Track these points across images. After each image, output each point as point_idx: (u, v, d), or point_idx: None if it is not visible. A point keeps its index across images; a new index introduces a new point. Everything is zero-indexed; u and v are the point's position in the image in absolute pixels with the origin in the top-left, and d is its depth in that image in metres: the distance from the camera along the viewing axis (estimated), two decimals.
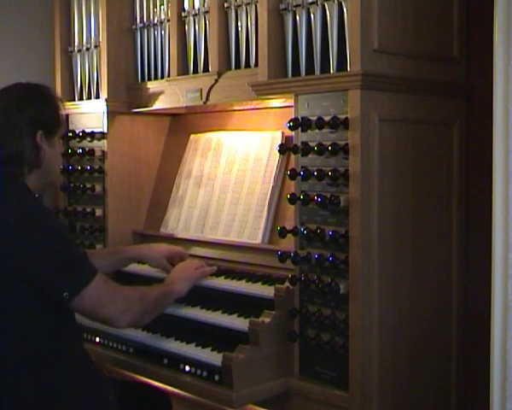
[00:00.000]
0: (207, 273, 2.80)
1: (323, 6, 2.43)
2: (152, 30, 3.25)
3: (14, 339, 2.15)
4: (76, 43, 3.54)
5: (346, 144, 2.29)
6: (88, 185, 3.34)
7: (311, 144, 2.37)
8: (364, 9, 2.27)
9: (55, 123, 2.37)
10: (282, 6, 2.55)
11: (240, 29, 2.82)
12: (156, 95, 3.21)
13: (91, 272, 2.22)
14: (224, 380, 2.35)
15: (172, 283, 2.66)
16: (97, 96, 3.42)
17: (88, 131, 3.36)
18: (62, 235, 2.25)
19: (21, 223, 2.12)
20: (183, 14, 3.07)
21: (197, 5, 3.00)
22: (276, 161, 2.87)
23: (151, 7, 3.26)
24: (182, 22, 3.08)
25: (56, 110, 2.39)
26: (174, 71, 3.11)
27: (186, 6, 3.05)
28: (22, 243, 2.11)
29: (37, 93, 2.37)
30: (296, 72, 2.53)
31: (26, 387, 2.15)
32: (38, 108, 2.31)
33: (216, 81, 2.90)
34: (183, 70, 3.10)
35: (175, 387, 2.61)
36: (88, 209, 3.36)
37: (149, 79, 3.29)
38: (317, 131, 2.38)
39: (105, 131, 3.33)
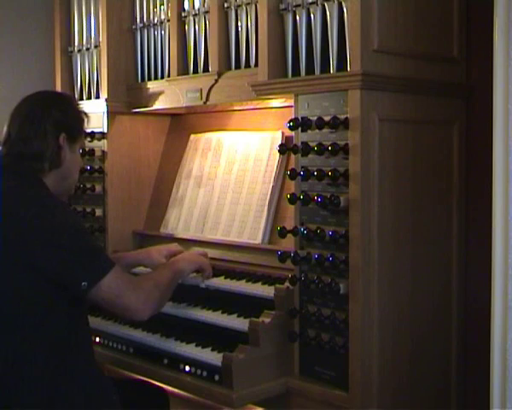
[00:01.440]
0: (209, 267, 2.77)
1: (323, 6, 2.43)
2: (152, 30, 3.25)
3: (26, 332, 2.16)
4: (76, 43, 3.54)
5: (346, 144, 2.29)
6: (88, 185, 3.34)
7: (311, 144, 2.37)
8: (364, 9, 2.27)
9: (78, 130, 2.45)
10: (282, 6, 2.55)
11: (240, 29, 2.82)
12: (156, 95, 3.21)
13: (109, 262, 2.24)
14: (224, 380, 2.35)
15: (175, 262, 2.64)
16: (97, 96, 3.42)
17: (88, 131, 3.35)
18: (79, 226, 2.27)
19: (38, 215, 2.14)
20: (183, 14, 3.07)
21: (197, 5, 3.00)
22: (276, 161, 2.87)
23: (151, 7, 3.26)
24: (182, 22, 3.08)
25: (80, 119, 2.47)
26: (174, 71, 3.11)
27: (186, 6, 3.05)
28: (39, 235, 2.13)
29: (64, 99, 2.48)
30: (296, 72, 2.53)
31: (37, 380, 2.16)
32: (64, 111, 2.38)
33: (216, 81, 2.90)
34: (183, 70, 3.10)
35: (175, 387, 2.61)
36: (88, 209, 3.36)
37: (149, 79, 3.29)
38: (317, 131, 2.37)
39: (105, 131, 3.33)
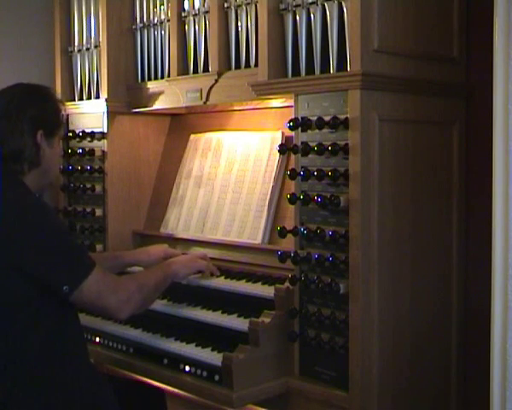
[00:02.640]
0: (209, 268, 2.78)
1: (323, 6, 2.43)
2: (152, 30, 3.25)
3: (16, 335, 2.15)
4: (76, 43, 3.54)
5: (346, 144, 2.29)
6: (88, 185, 3.34)
7: (311, 144, 2.37)
8: (364, 9, 2.27)
9: (56, 124, 2.40)
10: (282, 6, 2.55)
11: (240, 29, 2.82)
12: (156, 95, 3.21)
13: (90, 264, 2.23)
14: (224, 380, 2.35)
15: (169, 264, 2.65)
16: (97, 96, 3.42)
17: (88, 131, 3.36)
18: (60, 229, 2.26)
19: (19, 217, 2.13)
20: (183, 14, 3.07)
21: (197, 5, 3.00)
22: (276, 161, 2.87)
23: (151, 7, 3.26)
24: (182, 22, 3.08)
25: (57, 111, 2.42)
26: (174, 71, 3.11)
27: (186, 6, 3.05)
28: (21, 238, 2.12)
29: (38, 93, 2.39)
30: (296, 72, 2.53)
31: (30, 384, 2.16)
32: (40, 107, 2.33)
33: (216, 81, 2.90)
34: (183, 70, 3.10)
35: (175, 387, 2.61)
36: (88, 209, 3.36)
37: (149, 79, 3.29)
38: (317, 131, 2.37)
39: (105, 131, 3.33)
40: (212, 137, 3.23)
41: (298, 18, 2.50)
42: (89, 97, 3.49)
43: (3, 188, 2.22)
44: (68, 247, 2.23)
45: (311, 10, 2.46)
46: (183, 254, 2.97)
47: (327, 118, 2.33)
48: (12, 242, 2.12)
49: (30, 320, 2.16)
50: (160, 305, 2.80)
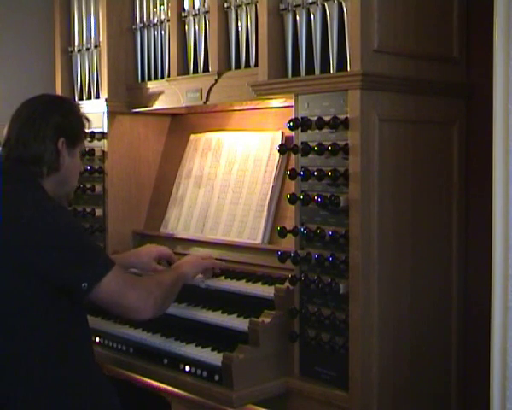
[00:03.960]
0: (216, 265, 2.79)
1: (323, 6, 2.43)
2: (152, 30, 3.26)
3: (23, 336, 2.15)
4: (76, 43, 3.54)
5: (346, 144, 2.29)
6: (88, 185, 3.34)
7: (311, 144, 2.37)
8: (364, 9, 2.27)
9: (78, 135, 2.44)
10: (282, 6, 2.55)
11: (240, 29, 2.82)
12: (156, 95, 3.21)
13: (109, 262, 2.24)
14: (224, 380, 2.35)
15: (179, 266, 2.65)
16: (97, 96, 3.42)
17: (88, 131, 3.35)
18: (79, 229, 2.28)
19: (36, 217, 2.14)
20: (183, 14, 3.07)
21: (197, 5, 3.00)
22: (276, 161, 2.87)
23: (151, 7, 3.26)
24: (182, 22, 3.08)
25: (81, 124, 2.47)
26: (174, 71, 3.11)
27: (186, 6, 3.05)
28: (37, 237, 2.12)
29: (64, 104, 2.47)
30: (296, 72, 2.53)
31: (33, 384, 2.15)
32: (64, 116, 2.38)
33: (216, 81, 2.90)
34: (183, 70, 3.10)
35: (175, 387, 2.61)
36: (88, 209, 3.36)
37: (149, 79, 3.29)
38: (317, 131, 2.37)
39: (105, 131, 3.33)
40: (212, 137, 3.23)
41: (298, 18, 2.50)
42: (89, 97, 3.49)
43: (22, 189, 2.23)
44: (87, 245, 2.24)
45: (311, 10, 2.46)
46: (174, 252, 2.97)
47: (327, 118, 2.33)
48: (27, 241, 2.12)
49: (39, 321, 2.15)
50: None
